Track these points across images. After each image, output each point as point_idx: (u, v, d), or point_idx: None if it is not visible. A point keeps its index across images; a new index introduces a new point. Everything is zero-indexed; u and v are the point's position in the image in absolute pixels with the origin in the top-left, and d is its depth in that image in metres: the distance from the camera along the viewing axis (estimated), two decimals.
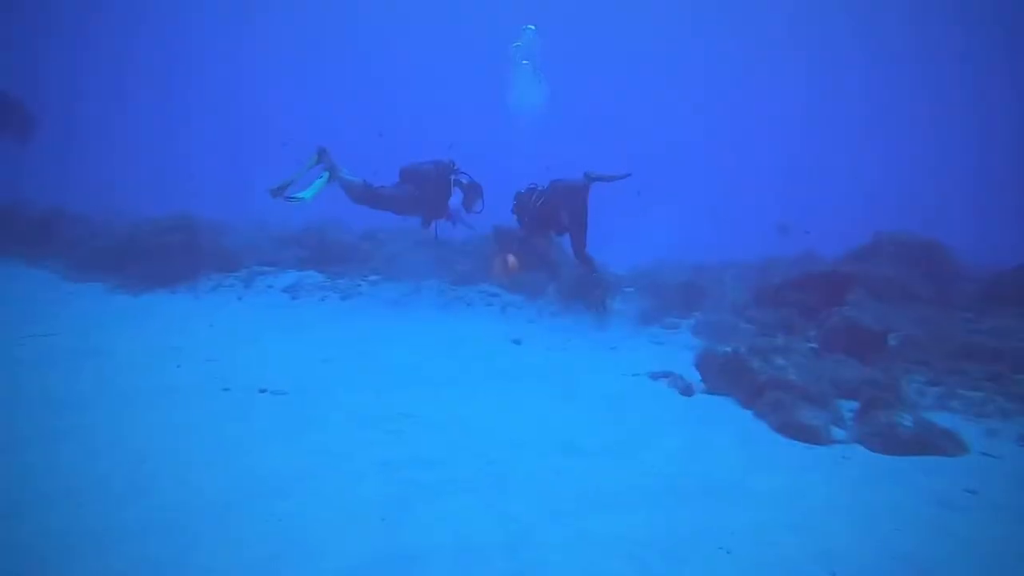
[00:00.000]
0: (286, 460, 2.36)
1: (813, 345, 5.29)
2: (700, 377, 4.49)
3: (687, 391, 4.22)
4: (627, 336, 6.18)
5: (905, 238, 6.58)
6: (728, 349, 4.37)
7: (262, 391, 3.30)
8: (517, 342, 5.46)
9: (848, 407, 3.78)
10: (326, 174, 5.62)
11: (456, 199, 6.39)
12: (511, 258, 6.51)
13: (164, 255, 6.48)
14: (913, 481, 2.63)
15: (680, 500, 2.39)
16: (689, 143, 27.62)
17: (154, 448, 2.43)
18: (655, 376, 4.51)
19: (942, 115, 27.29)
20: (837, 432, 3.39)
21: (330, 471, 2.32)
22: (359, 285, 7.30)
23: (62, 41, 26.05)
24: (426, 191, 6.30)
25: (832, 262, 7.15)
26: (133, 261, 6.40)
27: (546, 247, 7.76)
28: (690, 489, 2.50)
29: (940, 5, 22.51)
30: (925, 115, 27.40)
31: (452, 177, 6.49)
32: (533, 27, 7.91)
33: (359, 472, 2.34)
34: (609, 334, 6.17)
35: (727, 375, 4.26)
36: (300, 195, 5.43)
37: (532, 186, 6.47)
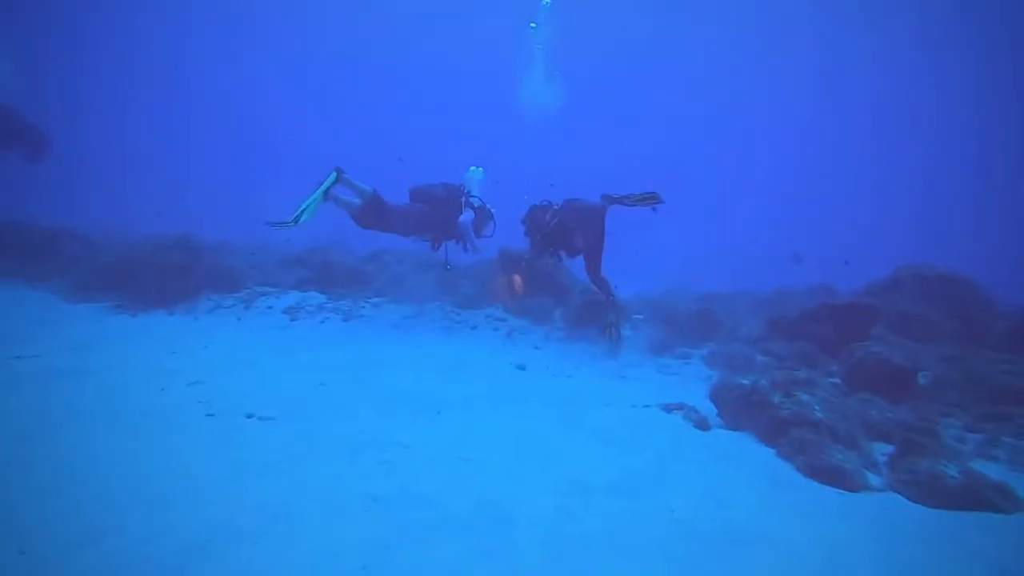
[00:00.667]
0: (262, 494, 2.11)
1: (835, 380, 5.02)
2: (716, 410, 4.22)
3: (702, 425, 3.95)
4: (636, 365, 5.93)
5: (928, 272, 6.30)
6: (746, 381, 4.11)
7: (249, 416, 3.07)
8: (522, 368, 5.22)
9: (880, 450, 3.50)
10: (323, 186, 5.51)
11: (467, 216, 6.29)
12: (517, 278, 6.32)
13: (164, 275, 6.34)
14: (967, 541, 2.34)
15: (704, 551, 2.12)
16: (694, 158, 27.73)
17: (116, 482, 2.18)
18: (668, 408, 4.24)
19: (944, 121, 27.25)
20: (871, 478, 3.10)
21: (310, 508, 2.07)
22: (361, 307, 7.13)
23: (63, 53, 26.59)
24: (437, 210, 6.19)
25: (851, 295, 6.89)
26: (133, 281, 6.27)
27: (554, 269, 7.59)
28: (714, 538, 2.23)
29: (951, 6, 22.52)
30: (925, 118, 27.33)
31: (462, 199, 6.40)
32: (548, 1, 7.84)
33: (343, 509, 2.09)
34: (618, 362, 5.92)
35: (746, 409, 3.98)
36: (299, 213, 5.33)
37: (545, 202, 6.28)
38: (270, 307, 6.69)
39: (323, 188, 5.53)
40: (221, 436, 2.70)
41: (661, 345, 6.51)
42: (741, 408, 4.01)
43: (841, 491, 2.91)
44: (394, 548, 1.87)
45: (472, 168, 6.83)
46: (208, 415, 3.01)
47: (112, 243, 7.27)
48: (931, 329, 5.83)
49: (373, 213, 5.93)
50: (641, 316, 7.38)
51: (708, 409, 4.17)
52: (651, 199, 5.65)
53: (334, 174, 5.59)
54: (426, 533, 1.99)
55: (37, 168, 10.16)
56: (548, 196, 6.36)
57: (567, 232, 5.97)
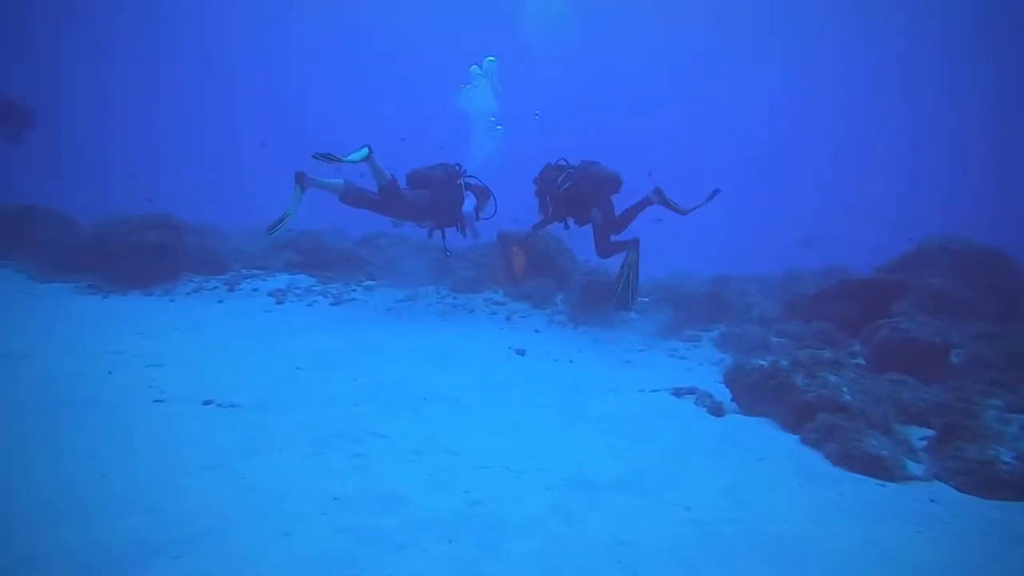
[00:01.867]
0: (196, 498, 1.75)
1: (859, 361, 4.65)
2: (731, 395, 3.87)
3: (717, 411, 3.60)
4: (642, 348, 5.58)
5: (955, 244, 5.84)
6: (765, 363, 3.75)
7: (207, 403, 2.72)
8: (521, 353, 4.87)
9: (917, 435, 3.15)
10: (352, 157, 5.15)
11: (470, 204, 5.88)
12: (519, 254, 5.90)
13: (141, 255, 5.99)
14: None
15: (729, 558, 1.77)
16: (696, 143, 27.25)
17: (12, 485, 1.81)
18: (678, 393, 3.90)
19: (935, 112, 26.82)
20: (911, 466, 2.75)
21: (259, 512, 1.72)
22: (353, 290, 6.79)
23: (72, 41, 26.12)
24: (442, 197, 5.78)
25: (873, 270, 6.46)
26: (108, 261, 5.91)
27: (555, 252, 7.20)
28: (739, 542, 1.88)
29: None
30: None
31: (460, 181, 5.99)
32: None
33: (298, 514, 1.74)
34: (622, 346, 5.57)
35: (765, 393, 3.63)
36: (287, 213, 5.01)
37: (562, 162, 5.73)
38: (255, 290, 6.35)
39: (352, 158, 5.13)
40: (164, 426, 2.35)
41: (669, 328, 6.16)
42: (759, 392, 3.66)
43: (880, 481, 2.56)
44: (353, 563, 1.52)
45: (477, 67, 6.29)
46: (157, 401, 2.66)
47: (91, 222, 6.88)
48: (959, 305, 5.44)
49: (385, 201, 5.53)
50: (647, 299, 7.01)
51: (722, 393, 3.84)
52: (710, 198, 5.17)
53: (366, 149, 5.19)
54: (395, 543, 1.64)
55: (19, 148, 9.77)
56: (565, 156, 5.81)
57: (580, 199, 5.43)
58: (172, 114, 27.68)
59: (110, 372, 3.03)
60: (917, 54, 24.61)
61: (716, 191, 5.16)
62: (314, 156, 4.87)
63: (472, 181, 6.13)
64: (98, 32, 26.04)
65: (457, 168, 6.17)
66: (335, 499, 1.87)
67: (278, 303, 6.01)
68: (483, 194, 6.14)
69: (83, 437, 2.16)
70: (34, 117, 9.91)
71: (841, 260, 9.92)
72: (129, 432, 2.25)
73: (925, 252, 5.95)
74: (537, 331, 5.89)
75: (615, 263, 6.05)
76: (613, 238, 5.55)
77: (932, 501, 2.32)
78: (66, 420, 2.32)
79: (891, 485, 2.52)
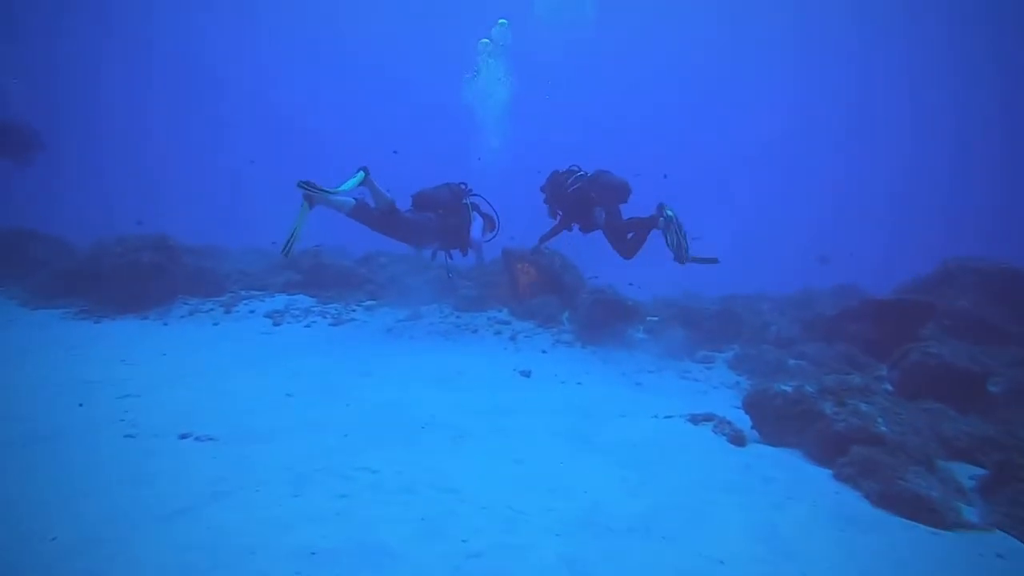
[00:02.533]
0: (157, 551, 1.49)
1: (887, 387, 4.36)
2: (751, 422, 3.59)
3: (737, 439, 3.32)
4: (653, 370, 5.31)
5: (986, 266, 5.54)
6: (788, 388, 3.48)
7: (183, 437, 2.48)
8: (526, 374, 4.63)
9: (963, 472, 2.86)
10: (349, 183, 4.97)
11: (477, 229, 5.70)
12: (524, 271, 5.71)
13: (134, 277, 5.80)
14: None
15: None
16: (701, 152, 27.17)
17: None
18: (695, 419, 3.62)
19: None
20: (964, 510, 2.45)
21: (219, 572, 1.47)
22: (353, 310, 6.58)
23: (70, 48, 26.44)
24: (448, 220, 5.62)
25: (897, 291, 6.17)
26: (104, 284, 5.73)
27: (560, 268, 7.00)
28: None
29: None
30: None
31: (467, 201, 5.83)
32: None
33: (266, 574, 1.49)
34: (632, 367, 5.31)
35: (789, 420, 3.36)
36: (290, 236, 4.84)
37: (573, 168, 5.64)
38: (252, 311, 6.15)
39: (349, 185, 4.95)
40: (130, 464, 2.10)
41: (681, 348, 5.89)
42: (783, 419, 3.39)
43: (931, 529, 2.27)
44: None
45: (487, 40, 6.09)
46: (127, 436, 2.42)
47: (85, 243, 6.73)
48: (989, 328, 5.14)
49: (385, 223, 5.36)
50: (656, 318, 6.76)
51: (741, 420, 3.56)
52: (708, 261, 5.09)
53: (362, 173, 5.03)
54: None
55: (29, 170, 9.80)
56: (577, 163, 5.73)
57: (586, 201, 5.31)
58: (171, 126, 27.95)
59: (81, 404, 2.79)
60: (918, 56, 24.55)
61: (715, 260, 5.08)
62: (298, 185, 4.65)
63: (478, 201, 5.98)
64: (96, 38, 26.38)
65: (463, 187, 6.01)
66: (312, 554, 1.61)
67: (275, 325, 5.80)
68: (489, 219, 5.99)
69: (30, 479, 1.92)
70: (41, 139, 9.95)
71: (851, 275, 9.67)
72: (87, 472, 2.00)
73: (950, 272, 5.67)
74: (543, 351, 5.64)
75: (620, 275, 5.86)
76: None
77: (999, 556, 2.03)
78: (14, 459, 2.08)
79: (945, 534, 2.22)
